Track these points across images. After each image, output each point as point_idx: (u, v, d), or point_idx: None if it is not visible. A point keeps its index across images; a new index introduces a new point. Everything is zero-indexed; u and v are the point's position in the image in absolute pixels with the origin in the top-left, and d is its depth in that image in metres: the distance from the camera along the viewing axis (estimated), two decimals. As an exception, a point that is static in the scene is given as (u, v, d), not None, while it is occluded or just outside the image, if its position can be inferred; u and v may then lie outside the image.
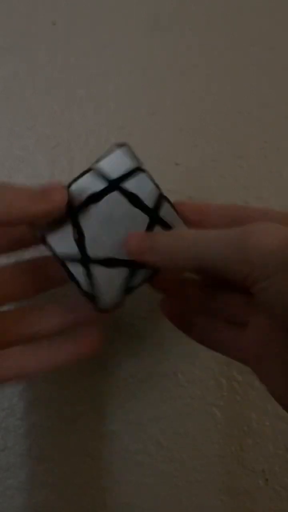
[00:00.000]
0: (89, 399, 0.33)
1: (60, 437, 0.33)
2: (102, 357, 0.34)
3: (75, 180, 0.24)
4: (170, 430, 0.34)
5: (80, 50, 0.38)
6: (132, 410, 0.33)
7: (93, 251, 0.23)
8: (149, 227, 0.24)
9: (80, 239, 0.23)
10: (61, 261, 0.23)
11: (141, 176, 0.24)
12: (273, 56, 0.38)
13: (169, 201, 0.24)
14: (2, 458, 0.33)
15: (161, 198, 0.24)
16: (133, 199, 0.24)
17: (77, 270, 0.23)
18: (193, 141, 0.37)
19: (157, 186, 0.24)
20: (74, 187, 0.24)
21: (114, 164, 0.24)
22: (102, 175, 0.24)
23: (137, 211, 0.24)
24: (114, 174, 0.24)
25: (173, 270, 0.23)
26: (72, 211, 0.23)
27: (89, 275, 0.23)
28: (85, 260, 0.23)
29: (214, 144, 0.36)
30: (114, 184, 0.24)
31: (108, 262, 0.23)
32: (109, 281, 0.23)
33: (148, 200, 0.24)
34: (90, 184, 0.24)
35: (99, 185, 0.24)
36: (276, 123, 0.37)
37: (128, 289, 0.24)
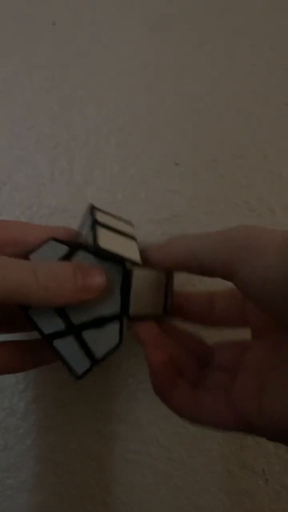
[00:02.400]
0: (89, 399, 0.33)
1: (60, 437, 0.33)
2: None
3: (33, 251, 0.23)
4: (170, 430, 0.34)
5: (80, 50, 0.38)
6: (132, 410, 0.33)
7: (77, 317, 0.23)
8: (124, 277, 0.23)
9: (60, 310, 0.22)
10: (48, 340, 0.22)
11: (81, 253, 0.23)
12: (273, 56, 0.38)
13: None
14: (2, 458, 0.33)
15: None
16: (96, 253, 0.23)
17: (69, 347, 0.23)
18: (193, 141, 0.37)
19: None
20: (35, 255, 0.23)
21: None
22: (62, 242, 0.23)
23: (108, 264, 0.23)
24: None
25: (165, 266, 0.23)
26: None
27: (83, 345, 0.23)
28: (73, 330, 0.23)
29: (214, 144, 0.36)
30: (74, 245, 0.23)
31: (98, 322, 0.23)
32: (106, 339, 0.23)
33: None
34: (52, 252, 0.23)
35: (62, 250, 0.23)
36: (276, 123, 0.37)
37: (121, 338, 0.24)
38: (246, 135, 0.37)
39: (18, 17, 0.38)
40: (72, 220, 0.34)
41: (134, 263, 0.23)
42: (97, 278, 0.22)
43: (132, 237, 0.25)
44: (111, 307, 0.23)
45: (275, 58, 0.38)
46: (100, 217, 0.24)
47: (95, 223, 0.23)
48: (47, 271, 0.20)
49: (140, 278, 0.23)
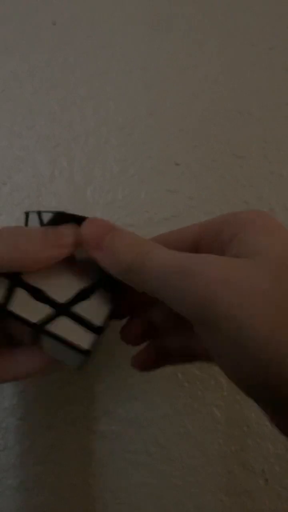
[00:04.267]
0: (89, 399, 0.33)
1: (60, 437, 0.33)
2: (102, 357, 0.34)
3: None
4: (170, 430, 0.34)
5: (80, 50, 0.38)
6: (132, 410, 0.33)
7: (60, 297, 0.22)
8: None
9: (41, 296, 0.22)
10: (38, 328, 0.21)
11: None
12: (273, 56, 0.38)
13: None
14: (2, 458, 0.33)
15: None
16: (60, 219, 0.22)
17: (64, 327, 0.21)
18: (193, 141, 0.37)
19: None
20: None
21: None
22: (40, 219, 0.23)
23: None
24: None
25: (121, 280, 0.20)
26: (14, 277, 0.21)
27: (78, 319, 0.22)
28: (61, 309, 0.22)
29: (214, 144, 0.36)
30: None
31: (83, 294, 0.22)
32: (98, 307, 0.22)
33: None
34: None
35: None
36: (276, 123, 0.37)
37: (114, 299, 0.23)
38: (246, 135, 0.37)
39: (18, 17, 0.38)
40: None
41: (81, 217, 0.22)
42: (68, 232, 0.21)
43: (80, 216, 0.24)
44: (91, 277, 0.22)
45: (275, 58, 0.38)
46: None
47: (31, 212, 0.23)
48: (14, 231, 0.20)
49: None
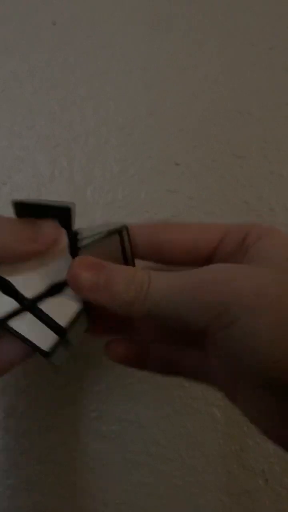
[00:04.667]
0: (89, 399, 0.33)
1: (60, 437, 0.33)
2: (102, 357, 0.34)
3: None
4: (170, 430, 0.34)
5: (80, 50, 0.38)
6: (132, 410, 0.33)
7: (28, 291, 0.21)
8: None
9: (8, 289, 0.20)
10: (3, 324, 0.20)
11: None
12: (273, 56, 0.38)
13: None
14: (2, 458, 0.33)
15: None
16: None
17: (28, 324, 0.20)
18: (193, 141, 0.37)
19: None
20: None
21: None
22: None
23: None
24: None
25: (122, 315, 0.20)
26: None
27: (43, 317, 0.20)
28: (27, 304, 0.21)
29: (214, 144, 0.36)
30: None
31: (53, 290, 0.21)
32: (66, 305, 0.21)
33: None
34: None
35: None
36: (276, 123, 0.37)
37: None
38: (246, 135, 0.37)
39: (18, 17, 0.38)
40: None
41: (62, 208, 0.21)
42: (49, 230, 0.20)
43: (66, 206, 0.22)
44: (64, 271, 0.21)
45: (275, 58, 0.38)
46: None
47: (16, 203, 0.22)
48: None
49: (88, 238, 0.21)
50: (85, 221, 0.35)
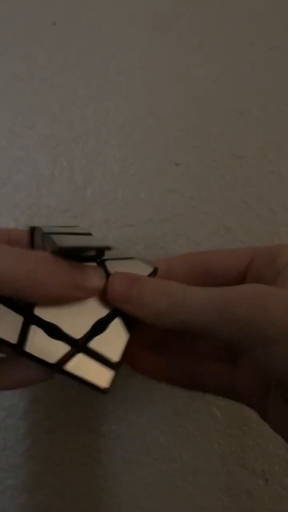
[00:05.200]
0: (89, 399, 0.33)
1: (60, 437, 0.33)
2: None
3: None
4: (170, 430, 0.34)
5: (80, 50, 0.38)
6: (132, 410, 0.33)
7: (75, 332, 0.21)
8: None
9: (56, 333, 0.21)
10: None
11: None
12: (273, 56, 0.38)
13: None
14: (2, 458, 0.33)
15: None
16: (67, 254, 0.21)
17: (81, 364, 0.21)
18: (193, 141, 0.37)
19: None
20: None
21: None
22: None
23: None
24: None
25: (155, 326, 0.20)
26: (27, 312, 0.21)
27: (94, 355, 0.21)
28: (78, 346, 0.21)
29: (214, 144, 0.36)
30: None
31: (99, 327, 0.21)
32: (114, 339, 0.21)
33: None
34: None
35: None
36: (276, 123, 0.37)
37: (132, 327, 0.22)
38: (246, 135, 0.37)
39: (18, 17, 0.38)
40: (72, 220, 0.34)
41: (103, 248, 0.21)
42: (96, 280, 0.20)
43: (87, 233, 0.23)
44: (105, 307, 0.21)
45: (275, 58, 0.38)
46: (46, 229, 0.23)
47: (44, 234, 0.22)
48: (37, 259, 0.19)
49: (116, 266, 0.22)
50: (85, 221, 0.35)
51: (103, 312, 0.21)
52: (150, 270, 0.23)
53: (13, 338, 0.20)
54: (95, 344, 0.21)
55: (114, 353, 0.21)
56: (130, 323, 0.22)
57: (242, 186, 0.36)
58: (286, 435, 0.20)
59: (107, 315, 0.21)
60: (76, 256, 0.21)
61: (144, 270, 0.23)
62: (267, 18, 0.39)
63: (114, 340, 0.21)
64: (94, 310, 0.21)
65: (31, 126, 0.36)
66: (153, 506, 0.33)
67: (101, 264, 0.22)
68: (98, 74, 0.37)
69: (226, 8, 0.39)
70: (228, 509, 0.33)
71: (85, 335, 0.21)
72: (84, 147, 0.36)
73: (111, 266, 0.22)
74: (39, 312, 0.20)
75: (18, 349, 0.20)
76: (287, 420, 0.20)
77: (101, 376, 0.21)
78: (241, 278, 0.23)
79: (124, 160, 0.36)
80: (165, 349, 0.25)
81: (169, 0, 0.39)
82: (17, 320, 0.20)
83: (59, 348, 0.20)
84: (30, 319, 0.20)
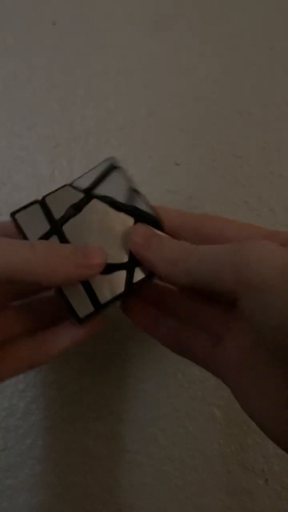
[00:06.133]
0: (89, 399, 0.33)
1: (60, 437, 0.33)
2: (102, 357, 0.34)
3: (48, 194, 0.24)
4: (170, 430, 0.34)
5: (80, 50, 0.38)
6: (132, 410, 0.33)
7: None
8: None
9: None
10: (57, 289, 0.23)
11: (112, 176, 0.24)
12: (273, 56, 0.38)
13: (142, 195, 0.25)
14: (2, 458, 0.33)
15: (133, 193, 0.24)
16: (112, 203, 0.24)
17: (74, 290, 0.23)
18: (193, 141, 0.37)
19: (129, 181, 0.25)
20: (50, 198, 0.23)
21: (86, 178, 0.24)
22: (76, 187, 0.24)
23: (120, 214, 0.24)
24: (86, 184, 0.24)
25: (166, 278, 0.22)
26: (55, 225, 0.23)
27: (88, 289, 0.23)
28: None
29: (214, 144, 0.36)
30: (90, 193, 0.24)
31: (105, 269, 0.23)
32: (111, 287, 0.23)
33: (123, 199, 0.24)
34: (67, 197, 0.23)
35: (78, 196, 0.24)
36: (276, 123, 0.37)
37: (130, 290, 0.24)
38: (246, 135, 0.37)
39: (18, 17, 0.38)
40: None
41: (151, 217, 0.24)
42: (97, 259, 0.22)
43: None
44: (120, 255, 0.23)
45: (275, 58, 0.38)
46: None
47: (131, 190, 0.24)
48: (46, 247, 0.21)
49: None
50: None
51: (117, 258, 0.23)
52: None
53: None
54: (94, 280, 0.23)
55: (103, 297, 0.23)
56: (132, 283, 0.23)
57: (242, 186, 0.36)
58: (257, 414, 0.20)
59: (118, 263, 0.23)
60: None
61: None
62: (267, 18, 0.39)
63: (109, 286, 0.23)
64: (110, 253, 0.23)
65: (31, 126, 0.36)
66: (153, 506, 0.33)
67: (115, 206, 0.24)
68: (98, 74, 0.37)
69: (226, 8, 0.39)
70: (228, 509, 0.33)
71: None
72: (84, 147, 0.36)
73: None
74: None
75: None
76: (264, 395, 0.20)
77: (83, 307, 0.23)
78: None
79: (124, 160, 0.36)
80: (163, 308, 0.26)
81: (169, 0, 0.39)
82: None
83: None
84: None
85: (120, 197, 0.24)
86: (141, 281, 0.24)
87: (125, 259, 0.23)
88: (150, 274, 0.24)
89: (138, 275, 0.24)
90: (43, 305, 0.26)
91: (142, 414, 0.33)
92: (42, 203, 0.23)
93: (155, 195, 0.35)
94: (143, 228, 0.23)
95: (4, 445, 0.33)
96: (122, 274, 0.23)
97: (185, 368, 0.34)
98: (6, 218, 0.35)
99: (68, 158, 0.36)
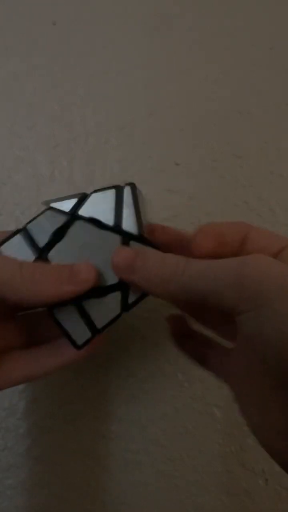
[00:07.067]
0: (89, 399, 0.33)
1: (60, 437, 0.33)
2: (102, 357, 0.34)
3: (30, 221, 0.23)
4: (170, 430, 0.34)
5: (80, 50, 0.38)
6: (132, 410, 0.33)
7: None
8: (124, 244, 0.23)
9: None
10: (52, 316, 0.23)
11: (92, 198, 0.24)
12: (273, 56, 0.38)
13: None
14: (2, 458, 0.33)
15: (120, 209, 0.24)
16: (96, 222, 0.23)
17: (69, 316, 0.22)
18: (193, 141, 0.37)
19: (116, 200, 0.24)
20: (32, 226, 0.23)
21: (64, 203, 0.24)
22: (59, 211, 0.23)
23: (105, 232, 0.23)
24: (68, 206, 0.24)
25: (160, 296, 0.22)
26: (40, 254, 0.23)
27: (83, 314, 0.23)
28: (74, 299, 0.22)
29: (214, 144, 0.36)
30: (73, 214, 0.23)
31: (98, 292, 0.23)
32: (106, 310, 0.23)
33: (108, 219, 0.23)
34: (49, 222, 0.23)
35: (60, 220, 0.23)
36: (276, 123, 0.37)
37: (126, 307, 0.23)
38: (246, 135, 0.37)
39: (18, 17, 0.38)
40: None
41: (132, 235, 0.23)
42: (84, 274, 0.22)
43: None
44: (112, 276, 0.23)
45: (275, 58, 0.38)
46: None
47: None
48: (33, 265, 0.21)
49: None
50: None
51: (109, 281, 0.23)
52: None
53: None
54: (88, 304, 0.23)
55: (100, 321, 0.23)
56: (127, 304, 0.23)
57: (242, 186, 0.36)
58: (256, 426, 0.20)
59: (110, 285, 0.23)
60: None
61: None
62: (267, 18, 0.39)
63: (105, 309, 0.23)
64: (102, 276, 0.23)
65: (31, 126, 0.36)
66: (153, 506, 0.33)
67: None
68: (98, 74, 0.37)
69: (226, 8, 0.39)
70: (228, 509, 0.33)
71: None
72: (84, 147, 0.36)
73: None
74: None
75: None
76: (263, 407, 0.20)
77: (80, 334, 0.23)
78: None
79: (124, 160, 0.36)
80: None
81: (169, 0, 0.39)
82: None
83: None
84: None
85: (105, 216, 0.23)
86: (137, 300, 0.23)
87: (116, 279, 0.23)
88: (143, 293, 0.23)
89: (133, 295, 0.23)
90: (44, 318, 0.26)
91: (142, 414, 0.33)
92: (25, 232, 0.23)
93: (155, 195, 0.35)
94: (124, 251, 0.22)
95: (4, 445, 0.33)
96: (116, 296, 0.23)
97: (185, 368, 0.34)
98: (6, 218, 0.35)
99: (68, 158, 0.36)
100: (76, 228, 0.23)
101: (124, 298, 0.23)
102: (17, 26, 0.38)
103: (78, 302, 0.22)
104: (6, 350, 0.24)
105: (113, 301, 0.23)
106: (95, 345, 0.24)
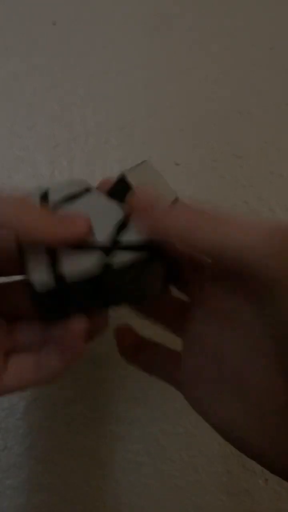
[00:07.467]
0: (88, 399, 0.33)
1: (60, 437, 0.33)
2: (102, 357, 0.34)
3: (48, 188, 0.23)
4: (170, 430, 0.34)
5: (80, 50, 0.38)
6: (132, 410, 0.33)
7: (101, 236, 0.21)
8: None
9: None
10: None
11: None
12: (273, 56, 0.38)
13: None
14: (2, 458, 0.33)
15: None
16: (111, 194, 0.23)
17: (37, 259, 0.21)
18: (193, 141, 0.37)
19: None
20: (52, 189, 0.23)
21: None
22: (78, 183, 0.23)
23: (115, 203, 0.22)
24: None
25: (187, 249, 0.20)
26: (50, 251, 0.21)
27: (52, 255, 0.21)
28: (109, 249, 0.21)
29: (214, 144, 0.36)
30: (88, 187, 0.23)
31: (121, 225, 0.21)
32: (78, 262, 0.21)
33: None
34: (66, 187, 0.23)
35: (76, 188, 0.23)
36: (276, 123, 0.37)
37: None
38: (246, 135, 0.37)
39: (18, 17, 0.38)
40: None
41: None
42: (79, 222, 0.21)
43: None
44: (102, 236, 0.21)
45: (275, 58, 0.38)
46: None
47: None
48: (36, 205, 0.21)
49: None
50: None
51: (97, 238, 0.21)
52: (174, 195, 0.23)
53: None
54: (64, 254, 0.21)
55: (70, 270, 0.21)
56: (109, 268, 0.21)
57: (242, 186, 0.36)
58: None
59: (96, 244, 0.21)
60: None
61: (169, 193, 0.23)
62: (267, 18, 0.39)
63: (79, 262, 0.21)
64: (110, 212, 0.22)
65: (31, 126, 0.36)
66: (153, 506, 0.33)
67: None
68: (98, 74, 0.37)
69: (226, 8, 0.39)
70: (228, 509, 0.33)
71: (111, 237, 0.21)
72: (84, 147, 0.36)
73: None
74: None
75: (62, 281, 0.21)
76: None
77: (42, 280, 0.21)
78: None
79: (124, 160, 0.36)
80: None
81: (169, 0, 0.39)
82: (42, 259, 0.21)
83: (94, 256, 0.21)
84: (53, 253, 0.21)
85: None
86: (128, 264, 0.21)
87: (106, 241, 0.21)
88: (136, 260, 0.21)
89: (119, 257, 0.21)
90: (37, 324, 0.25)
91: (142, 414, 0.33)
92: (46, 192, 0.23)
93: (155, 195, 0.35)
94: (145, 191, 0.21)
95: (4, 445, 0.33)
96: (98, 257, 0.21)
97: (185, 368, 0.34)
98: (6, 218, 0.35)
99: (68, 158, 0.36)
100: (88, 196, 0.23)
101: (106, 260, 0.21)
102: (17, 26, 0.38)
103: (116, 245, 0.21)
104: (12, 351, 0.24)
105: (90, 257, 0.21)
106: (94, 336, 0.24)
